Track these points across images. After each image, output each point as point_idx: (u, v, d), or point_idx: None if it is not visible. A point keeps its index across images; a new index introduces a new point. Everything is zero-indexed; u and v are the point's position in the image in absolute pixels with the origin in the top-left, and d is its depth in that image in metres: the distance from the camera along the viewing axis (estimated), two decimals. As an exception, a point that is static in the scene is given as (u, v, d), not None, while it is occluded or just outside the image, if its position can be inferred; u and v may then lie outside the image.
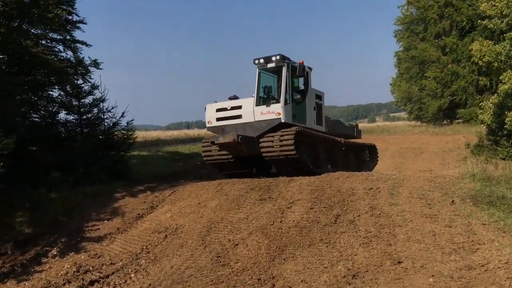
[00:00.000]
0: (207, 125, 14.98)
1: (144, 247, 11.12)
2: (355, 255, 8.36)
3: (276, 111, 13.65)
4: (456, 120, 41.61)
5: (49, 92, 18.46)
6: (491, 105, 20.01)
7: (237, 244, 9.81)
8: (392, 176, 12.16)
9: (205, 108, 14.98)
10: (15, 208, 13.02)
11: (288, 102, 13.96)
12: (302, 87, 15.18)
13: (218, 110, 14.64)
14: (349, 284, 7.44)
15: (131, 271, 9.96)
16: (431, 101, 41.55)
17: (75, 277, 9.77)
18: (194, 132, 56.05)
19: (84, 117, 17.97)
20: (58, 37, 18.29)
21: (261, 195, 12.11)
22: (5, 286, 9.76)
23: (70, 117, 18.12)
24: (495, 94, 20.16)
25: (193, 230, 11.51)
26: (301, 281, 7.69)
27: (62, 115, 18.31)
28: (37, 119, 18.05)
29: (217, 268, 8.89)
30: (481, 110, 21.05)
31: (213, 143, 14.17)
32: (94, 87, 18.16)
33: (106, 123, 18.16)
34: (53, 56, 17.28)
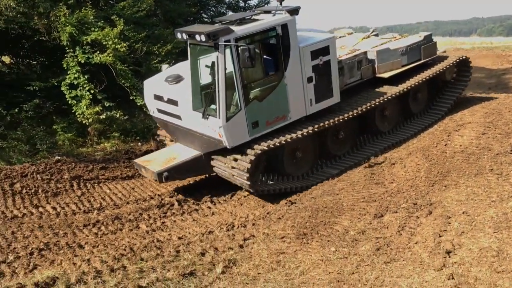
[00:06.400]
0: (150, 113, 10.30)
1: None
2: (531, 192, 7.33)
3: (216, 129, 8.50)
4: None
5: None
6: None
7: (393, 164, 9.34)
8: None
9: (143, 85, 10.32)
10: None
11: (238, 109, 8.46)
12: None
13: (156, 97, 9.72)
14: (520, 224, 6.60)
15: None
16: None
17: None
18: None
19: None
20: None
21: (425, 114, 11.24)
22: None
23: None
24: None
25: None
26: (463, 213, 7.02)
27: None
28: (206, 19, 18.74)
29: (370, 185, 8.59)
30: None
31: (137, 170, 10.15)
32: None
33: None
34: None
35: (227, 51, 8.15)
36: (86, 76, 10.96)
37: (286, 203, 8.59)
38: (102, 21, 11.21)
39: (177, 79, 9.50)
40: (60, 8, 10.73)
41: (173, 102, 9.23)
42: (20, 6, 10.54)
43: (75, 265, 6.00)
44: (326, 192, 8.67)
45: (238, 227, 7.90)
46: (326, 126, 9.44)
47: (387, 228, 6.69)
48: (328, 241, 6.56)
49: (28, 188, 9.39)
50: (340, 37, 12.14)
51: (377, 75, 10.66)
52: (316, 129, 9.29)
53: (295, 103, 9.14)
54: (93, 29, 10.89)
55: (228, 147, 8.60)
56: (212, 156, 9.14)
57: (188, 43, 8.93)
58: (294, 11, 8.99)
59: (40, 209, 8.79)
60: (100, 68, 11.37)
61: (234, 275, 5.71)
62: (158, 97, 9.60)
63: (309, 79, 9.22)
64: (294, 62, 8.95)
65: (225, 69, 8.21)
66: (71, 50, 10.94)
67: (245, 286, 5.35)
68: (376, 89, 10.65)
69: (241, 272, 5.80)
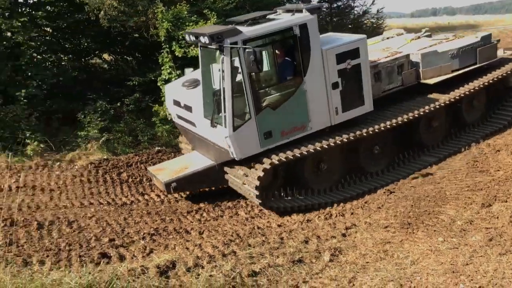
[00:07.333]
0: (172, 118, 9.89)
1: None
2: None
3: (223, 139, 7.79)
4: None
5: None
6: None
7: (498, 150, 8.91)
8: None
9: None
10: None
11: (247, 118, 7.71)
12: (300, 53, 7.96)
13: (175, 103, 9.23)
14: None
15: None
16: None
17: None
18: (442, 19, 50.77)
19: (334, 5, 17.92)
20: None
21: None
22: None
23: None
24: None
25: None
26: None
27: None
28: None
29: (474, 173, 8.27)
30: None
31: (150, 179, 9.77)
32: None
33: (356, 11, 17.82)
34: None
35: (234, 54, 7.40)
36: (178, 72, 11.39)
37: (384, 192, 8.48)
38: (195, 16, 11.59)
39: (194, 83, 8.92)
40: (157, 5, 11.24)
41: (188, 108, 8.70)
42: (121, 5, 11.18)
43: (188, 249, 6.35)
44: (426, 180, 8.48)
45: (336, 216, 7.95)
46: (349, 139, 8.39)
47: (497, 218, 6.44)
48: (435, 231, 6.43)
49: (134, 177, 10.01)
50: (387, 38, 11.34)
51: (422, 81, 9.54)
52: (334, 143, 8.29)
53: (317, 112, 8.19)
54: (187, 23, 11.29)
55: (236, 158, 7.89)
56: (225, 167, 8.49)
57: (198, 45, 8.33)
58: (315, 10, 8.01)
59: (146, 196, 9.33)
60: (193, 61, 11.78)
61: (342, 263, 5.77)
62: (177, 103, 9.11)
63: (334, 85, 8.24)
64: (315, 66, 7.99)
65: (232, 73, 7.43)
66: (167, 45, 11.43)
67: (356, 275, 5.39)
68: (421, 97, 9.53)
69: (348, 260, 5.84)
